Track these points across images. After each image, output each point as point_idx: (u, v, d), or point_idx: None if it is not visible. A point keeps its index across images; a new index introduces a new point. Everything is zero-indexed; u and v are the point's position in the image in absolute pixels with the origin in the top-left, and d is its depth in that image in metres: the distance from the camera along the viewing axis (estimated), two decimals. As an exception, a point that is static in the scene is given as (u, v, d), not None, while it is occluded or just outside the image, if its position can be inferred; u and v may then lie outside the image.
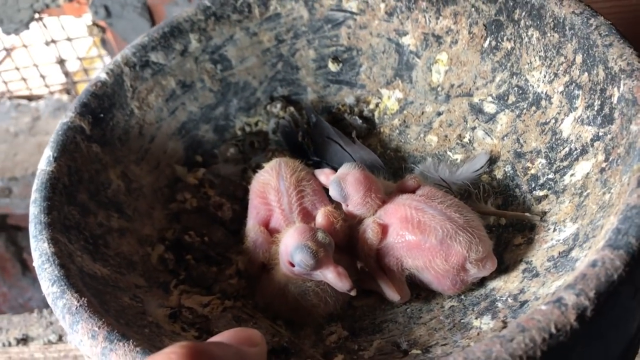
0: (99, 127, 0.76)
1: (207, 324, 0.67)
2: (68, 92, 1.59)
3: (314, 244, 0.62)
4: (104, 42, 1.36)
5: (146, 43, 0.82)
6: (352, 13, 0.89)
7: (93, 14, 1.27)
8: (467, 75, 0.84)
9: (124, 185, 0.78)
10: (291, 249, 0.62)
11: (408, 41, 0.88)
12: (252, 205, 0.74)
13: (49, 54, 1.48)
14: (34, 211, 0.64)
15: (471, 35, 0.83)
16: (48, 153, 0.69)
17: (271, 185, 0.72)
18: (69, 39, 1.43)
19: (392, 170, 0.85)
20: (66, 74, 1.53)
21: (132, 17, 1.25)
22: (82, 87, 1.53)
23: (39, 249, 0.60)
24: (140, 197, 0.79)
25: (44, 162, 0.69)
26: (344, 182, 0.69)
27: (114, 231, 0.73)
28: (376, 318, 0.69)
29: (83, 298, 0.56)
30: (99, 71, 0.79)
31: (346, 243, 0.71)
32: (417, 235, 0.65)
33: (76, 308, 0.55)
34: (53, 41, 1.43)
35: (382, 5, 0.88)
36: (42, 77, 1.56)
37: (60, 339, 0.98)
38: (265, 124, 0.92)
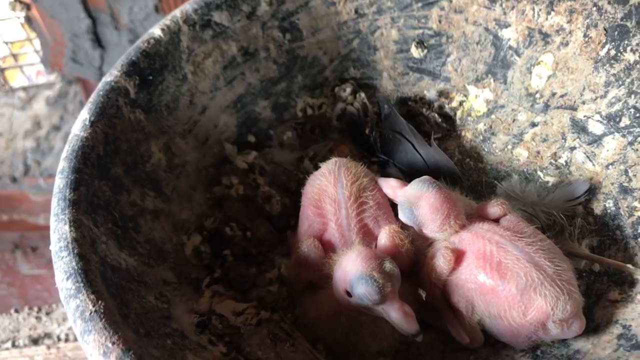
0: (145, 90, 0.67)
1: (238, 339, 0.58)
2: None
3: (380, 275, 0.52)
4: (29, 21, 1.19)
5: (211, 0, 0.71)
6: (448, -7, 0.77)
7: (13, -13, 1.12)
8: (574, 85, 0.71)
9: (166, 160, 0.69)
10: (352, 278, 0.52)
11: (509, 35, 0.75)
12: (304, 214, 0.64)
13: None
14: (59, 184, 0.55)
15: (587, 39, 0.70)
16: (84, 116, 0.61)
17: (328, 193, 0.62)
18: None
19: (469, 183, 0.73)
20: (-9, 59, 1.36)
21: None
22: (11, 74, 1.35)
23: (59, 231, 0.52)
24: (181, 175, 0.70)
25: (79, 126, 0.60)
26: (417, 207, 0.58)
27: (147, 213, 0.64)
28: (433, 360, 0.60)
29: (100, 302, 0.47)
30: (154, 27, 0.69)
31: (409, 266, 0.61)
32: (494, 279, 0.55)
33: (90, 314, 0.47)
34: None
35: (485, -11, 0.75)
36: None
37: None
38: (329, 108, 0.81)
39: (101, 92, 0.63)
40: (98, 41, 1.17)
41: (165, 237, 0.65)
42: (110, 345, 0.45)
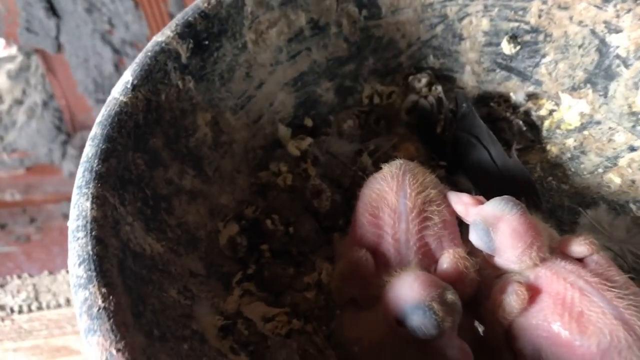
0: (199, 56, 0.60)
1: (263, 350, 0.52)
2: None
3: (440, 307, 0.44)
4: None
5: (283, -38, 0.64)
6: (554, -16, 0.67)
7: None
8: (691, 109, 0.61)
9: (212, 136, 0.62)
10: (407, 306, 0.45)
11: (619, 42, 0.65)
12: (357, 220, 0.55)
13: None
14: (88, 152, 0.49)
15: None
16: (127, 77, 0.54)
17: (388, 202, 0.53)
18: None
19: (549, 205, 0.64)
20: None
21: None
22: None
23: (79, 207, 0.46)
24: (227, 155, 0.63)
25: (119, 89, 0.53)
26: (496, 230, 0.49)
27: (183, 193, 0.57)
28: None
29: (111, 297, 0.41)
30: (217, -15, 0.61)
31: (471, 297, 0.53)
32: (572, 332, 0.46)
33: (98, 310, 0.40)
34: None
35: (600, -15, 0.65)
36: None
37: None
38: (399, 98, 0.72)
39: (149, 53, 0.56)
40: (52, 10, 1.10)
41: (200, 223, 0.58)
42: (114, 352, 0.39)
